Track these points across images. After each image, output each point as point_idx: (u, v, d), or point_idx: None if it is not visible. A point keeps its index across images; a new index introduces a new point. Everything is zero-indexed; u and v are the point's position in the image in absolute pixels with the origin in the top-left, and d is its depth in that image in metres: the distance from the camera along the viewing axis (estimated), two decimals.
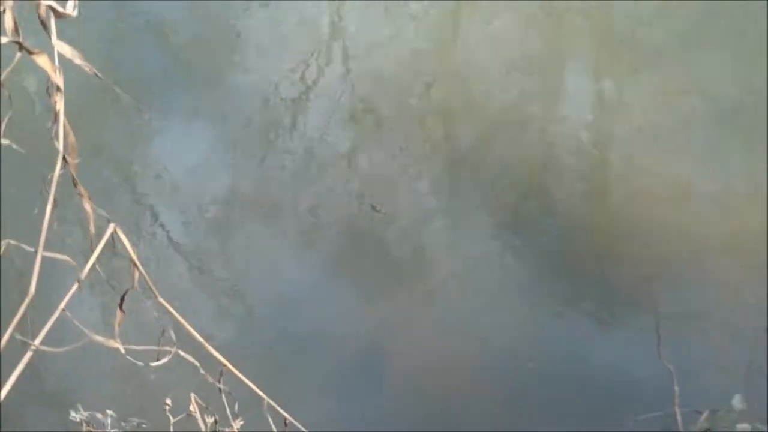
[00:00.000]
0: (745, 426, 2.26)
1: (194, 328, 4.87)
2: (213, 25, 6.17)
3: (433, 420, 4.34)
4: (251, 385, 2.23)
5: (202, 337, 5.00)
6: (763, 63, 5.62)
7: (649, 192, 5.11)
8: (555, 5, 6.22)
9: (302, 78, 5.88)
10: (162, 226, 5.21)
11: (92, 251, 2.10)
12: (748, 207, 4.91)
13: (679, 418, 2.32)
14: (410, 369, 4.56)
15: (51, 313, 2.12)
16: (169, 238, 5.15)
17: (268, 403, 2.30)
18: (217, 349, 4.55)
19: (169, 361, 2.31)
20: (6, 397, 2.03)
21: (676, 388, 2.36)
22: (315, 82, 5.88)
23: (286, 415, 2.32)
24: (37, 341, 2.01)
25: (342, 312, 4.79)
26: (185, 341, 2.48)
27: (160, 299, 2.13)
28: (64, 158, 2.02)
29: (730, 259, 4.67)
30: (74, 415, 2.39)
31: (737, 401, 2.32)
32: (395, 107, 5.68)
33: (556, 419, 4.16)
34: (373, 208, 5.24)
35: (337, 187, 5.33)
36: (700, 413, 2.41)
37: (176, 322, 5.16)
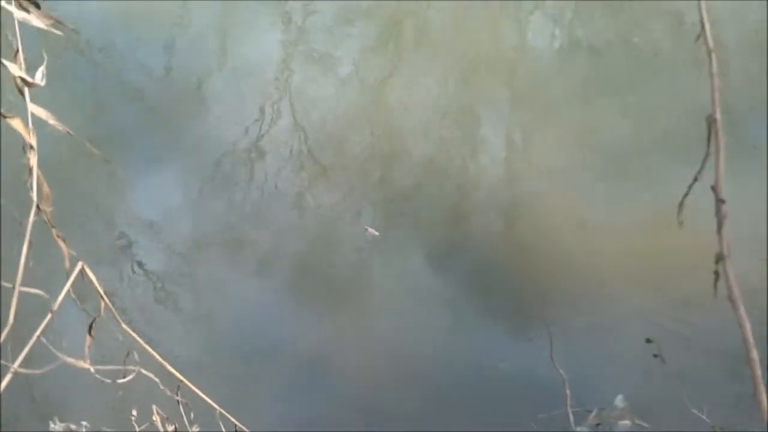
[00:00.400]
0: (626, 422, 2.28)
1: (165, 343, 4.88)
2: (181, 87, 6.17)
3: (371, 415, 4.33)
4: (204, 396, 2.20)
5: (172, 352, 4.96)
6: (647, 110, 5.72)
7: (551, 222, 5.15)
8: (471, 68, 6.30)
9: (258, 131, 5.88)
10: (139, 259, 5.17)
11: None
12: (633, 235, 4.96)
13: (571, 416, 2.33)
14: (353, 372, 4.56)
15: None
16: (145, 270, 5.11)
17: (220, 412, 2.27)
18: (184, 361, 4.55)
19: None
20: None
21: (568, 391, 2.36)
22: (268, 135, 5.88)
23: (235, 422, 2.29)
24: (15, 364, 1.98)
25: (295, 327, 4.77)
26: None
27: (124, 326, 2.11)
28: (38, 207, 2.01)
29: (618, 278, 4.71)
30: (53, 426, 2.35)
31: (619, 401, 2.35)
32: (338, 155, 5.70)
33: (472, 416, 4.17)
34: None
35: (289, 224, 5.32)
36: (590, 411, 2.42)
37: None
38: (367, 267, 5.13)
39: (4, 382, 1.92)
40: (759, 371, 1.97)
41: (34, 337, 1.97)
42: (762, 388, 1.96)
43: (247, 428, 4.24)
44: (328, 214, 5.40)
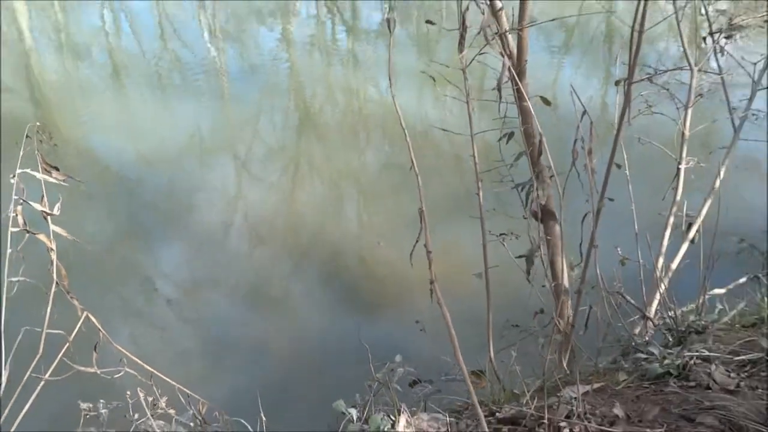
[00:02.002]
0: (401, 370, 2.26)
1: (176, 336, 4.62)
2: (180, 202, 5.99)
3: (292, 368, 4.20)
4: (164, 377, 2.05)
5: (179, 349, 4.62)
6: (429, 197, 5.81)
7: (383, 260, 5.15)
8: (336, 179, 6.35)
9: (223, 225, 5.75)
10: (161, 293, 4.96)
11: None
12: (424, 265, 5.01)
13: (372, 369, 2.29)
14: (280, 344, 4.43)
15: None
16: (167, 300, 4.89)
17: (179, 387, 2.12)
18: (188, 345, 4.30)
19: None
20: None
21: (370, 355, 2.32)
22: (231, 225, 5.76)
23: (188, 391, 2.14)
24: (46, 375, 1.81)
25: (249, 324, 4.65)
26: (157, 361, 2.28)
27: (116, 346, 1.96)
28: (57, 283, 1.87)
29: (420, 289, 4.71)
30: (82, 406, 2.14)
31: (398, 357, 2.33)
32: (269, 231, 5.60)
33: (337, 365, 4.11)
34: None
35: (244, 269, 5.19)
36: (386, 363, 2.37)
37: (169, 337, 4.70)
38: (289, 288, 5.02)
39: (38, 389, 1.76)
40: (456, 341, 2.00)
41: (57, 360, 1.81)
42: (458, 350, 1.98)
43: (221, 377, 4.05)
44: (265, 262, 5.28)
